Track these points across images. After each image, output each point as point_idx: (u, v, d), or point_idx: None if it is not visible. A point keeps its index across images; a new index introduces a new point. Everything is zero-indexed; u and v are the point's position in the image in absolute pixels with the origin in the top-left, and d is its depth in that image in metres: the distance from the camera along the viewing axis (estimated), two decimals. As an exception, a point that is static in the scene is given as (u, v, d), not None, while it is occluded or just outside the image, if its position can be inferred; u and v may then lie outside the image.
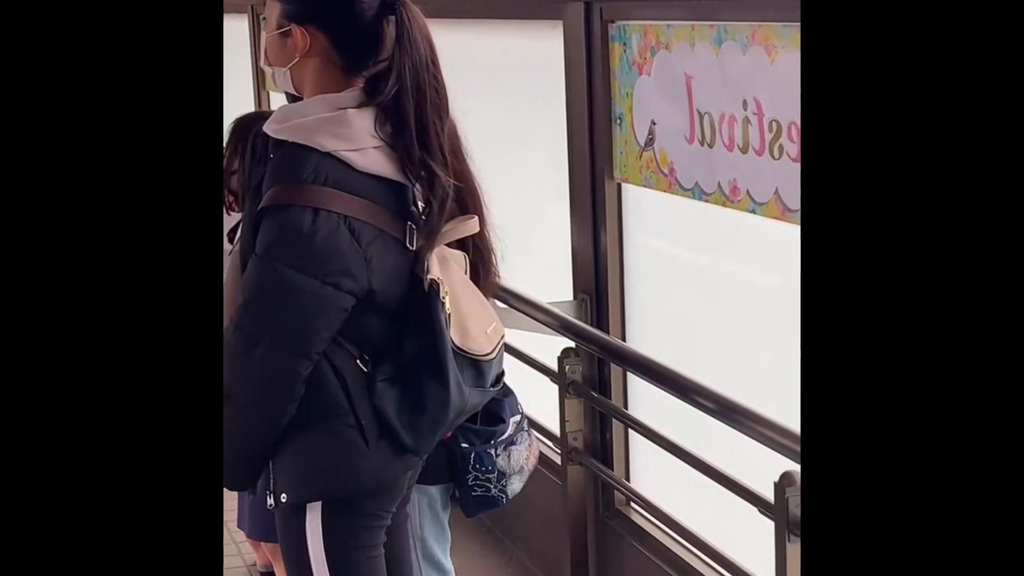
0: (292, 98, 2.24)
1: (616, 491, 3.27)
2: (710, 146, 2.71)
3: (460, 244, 2.31)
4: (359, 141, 2.05)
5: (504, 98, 4.05)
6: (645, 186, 3.01)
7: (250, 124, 2.82)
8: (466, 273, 2.27)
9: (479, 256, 2.39)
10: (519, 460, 2.48)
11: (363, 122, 2.07)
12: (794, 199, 2.45)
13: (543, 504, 3.52)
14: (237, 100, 5.11)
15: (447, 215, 2.15)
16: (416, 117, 2.08)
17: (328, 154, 2.03)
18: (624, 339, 3.21)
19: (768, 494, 2.34)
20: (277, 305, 2.02)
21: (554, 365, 3.20)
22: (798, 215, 2.43)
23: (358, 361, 2.12)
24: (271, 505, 2.15)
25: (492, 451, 2.42)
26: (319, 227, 2.01)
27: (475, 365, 2.17)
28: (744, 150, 2.59)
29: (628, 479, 3.27)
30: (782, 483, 2.28)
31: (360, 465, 2.12)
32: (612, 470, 3.24)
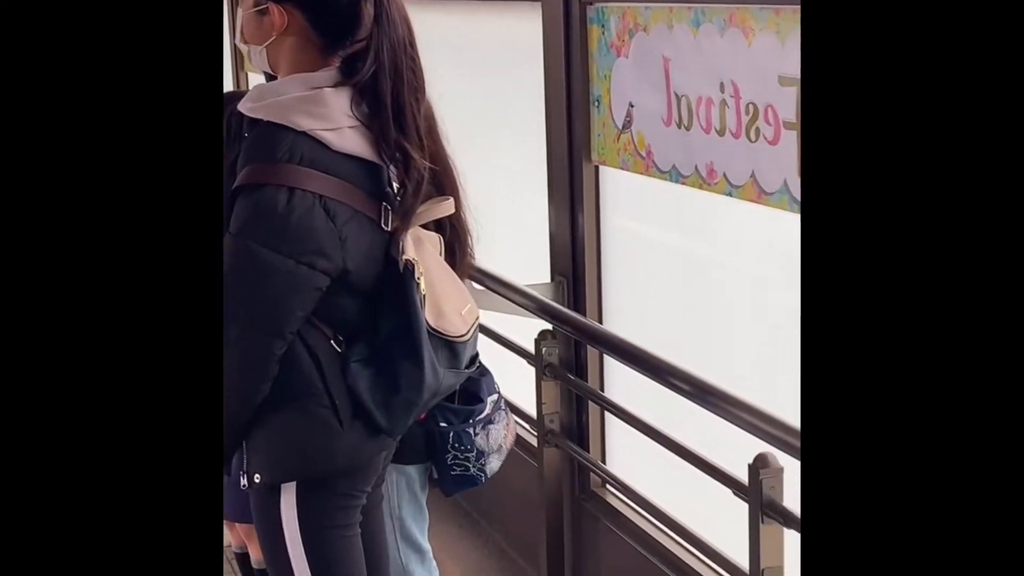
0: (269, 77, 2.24)
1: (592, 473, 3.28)
2: (687, 129, 2.71)
3: (436, 225, 2.31)
4: (335, 121, 2.05)
5: (482, 80, 4.04)
6: (623, 169, 3.01)
7: (225, 103, 2.81)
8: (441, 254, 2.27)
9: (455, 237, 2.39)
10: (497, 439, 2.49)
11: (339, 102, 2.06)
12: (770, 182, 2.45)
13: (519, 486, 3.52)
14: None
15: (422, 196, 2.15)
16: (393, 98, 2.08)
17: (304, 133, 2.02)
18: (601, 321, 3.21)
19: (743, 476, 2.35)
20: (251, 284, 2.02)
21: (531, 347, 3.20)
22: (774, 198, 2.44)
23: (332, 341, 2.11)
24: (245, 486, 2.15)
25: (471, 430, 2.43)
26: (294, 206, 2.01)
27: (449, 346, 2.17)
28: (721, 133, 2.59)
29: (604, 461, 3.28)
30: (756, 465, 2.29)
31: (334, 445, 2.12)
32: (588, 452, 3.24)
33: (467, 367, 2.26)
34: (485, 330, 3.33)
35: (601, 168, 3.16)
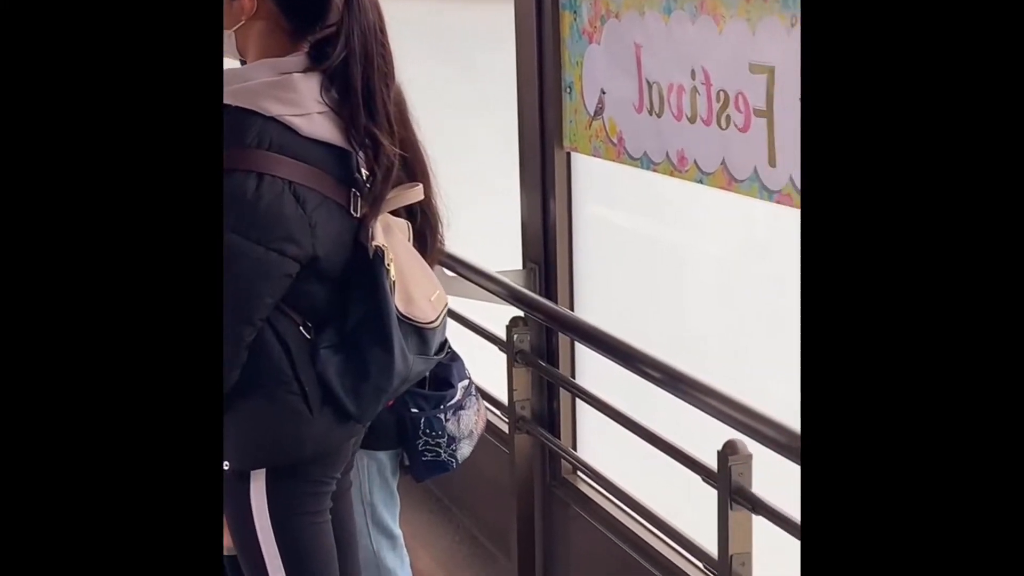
0: (242, 63, 2.22)
1: (563, 460, 3.28)
2: (658, 116, 2.71)
3: (407, 212, 2.31)
4: (304, 106, 2.04)
5: (454, 65, 4.04)
6: (594, 155, 3.01)
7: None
8: (410, 241, 2.26)
9: (426, 223, 2.38)
10: (468, 424, 2.49)
11: (308, 87, 2.05)
12: (740, 169, 2.45)
13: (490, 472, 3.53)
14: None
15: (392, 182, 2.14)
16: (363, 84, 2.07)
17: (272, 119, 2.01)
18: (572, 309, 3.22)
19: (712, 463, 2.36)
20: (220, 271, 2.01)
21: (502, 334, 3.20)
22: (744, 185, 2.44)
23: (301, 328, 2.11)
24: (214, 472, 2.14)
25: (442, 416, 2.43)
26: (263, 192, 2.00)
27: (419, 333, 2.17)
28: (692, 120, 2.59)
29: (575, 448, 3.29)
30: (725, 451, 2.30)
31: (303, 432, 2.12)
32: (559, 439, 3.25)
33: (436, 353, 2.26)
34: (456, 316, 3.33)
35: (573, 155, 3.16)
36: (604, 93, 2.92)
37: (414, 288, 2.18)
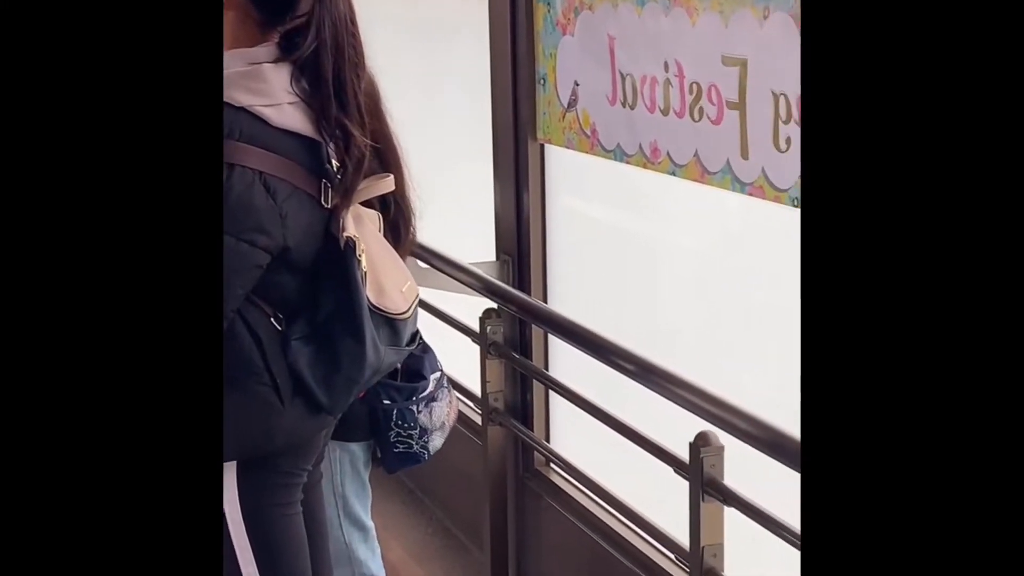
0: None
1: (536, 452, 3.28)
2: (632, 108, 2.71)
3: (381, 203, 2.30)
4: (274, 96, 2.03)
5: (427, 57, 4.03)
6: (568, 147, 3.01)
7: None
8: (380, 231, 2.25)
9: (399, 214, 2.38)
10: (440, 416, 2.49)
11: (279, 78, 2.04)
12: (713, 161, 2.46)
13: (463, 464, 3.53)
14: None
15: (364, 173, 2.14)
16: (334, 74, 2.06)
17: (242, 109, 2.00)
18: (546, 300, 3.22)
19: (684, 455, 2.36)
20: (190, 262, 2.00)
21: (476, 326, 3.20)
22: (716, 177, 2.45)
23: (272, 319, 2.10)
24: (185, 464, 2.13)
25: (414, 407, 2.43)
26: (233, 183, 1.98)
27: (390, 323, 2.17)
28: (665, 112, 2.59)
29: (548, 440, 3.29)
30: (697, 443, 2.31)
31: (275, 424, 2.11)
32: (532, 431, 3.25)
33: (408, 344, 2.25)
34: (430, 308, 3.33)
35: (546, 146, 3.15)
36: (577, 85, 2.92)
37: (385, 279, 2.17)
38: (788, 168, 2.23)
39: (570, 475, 3.07)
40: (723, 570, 2.33)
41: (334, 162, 2.10)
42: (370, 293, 2.13)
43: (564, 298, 3.20)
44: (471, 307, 3.25)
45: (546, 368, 3.24)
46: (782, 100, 2.22)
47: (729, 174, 2.40)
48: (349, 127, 2.08)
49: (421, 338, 2.39)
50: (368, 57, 2.16)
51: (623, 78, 2.73)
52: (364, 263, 2.11)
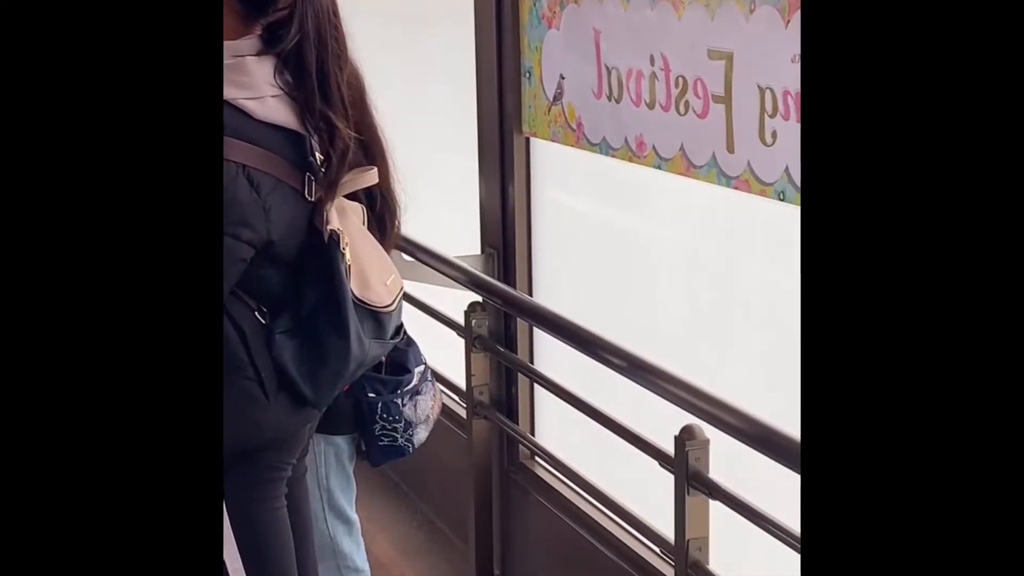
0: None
1: (521, 445, 3.28)
2: (617, 101, 2.71)
3: (367, 195, 2.29)
4: (257, 90, 2.02)
5: (412, 50, 4.02)
6: (553, 140, 3.00)
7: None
8: (364, 224, 2.25)
9: (385, 207, 2.37)
10: (425, 409, 2.49)
11: (262, 70, 2.03)
12: (699, 155, 2.45)
13: (448, 458, 3.52)
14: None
15: (348, 166, 2.13)
16: (317, 67, 2.06)
17: (225, 102, 2.00)
18: (531, 294, 3.21)
19: (670, 448, 2.36)
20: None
21: (461, 319, 3.19)
22: (702, 171, 2.44)
23: (256, 313, 2.09)
24: (169, 458, 2.12)
25: (399, 400, 2.43)
26: (217, 176, 1.98)
27: (375, 317, 2.16)
28: (651, 106, 2.59)
29: (533, 433, 3.29)
30: (682, 436, 2.30)
31: (260, 418, 2.11)
32: (517, 424, 3.25)
33: (392, 337, 2.25)
34: (415, 302, 3.32)
35: (532, 140, 3.15)
36: (563, 78, 2.91)
37: (370, 272, 2.17)
38: (774, 162, 2.23)
39: (555, 469, 3.07)
40: (708, 563, 2.33)
41: (318, 155, 2.10)
42: (354, 286, 2.12)
43: (549, 291, 3.20)
44: (456, 300, 3.25)
45: (531, 361, 3.24)
46: (768, 94, 2.22)
47: (715, 168, 2.40)
48: (333, 119, 2.07)
49: (405, 332, 2.39)
50: (351, 49, 2.15)
51: (609, 72, 2.72)
52: (348, 256, 2.11)
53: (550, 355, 3.17)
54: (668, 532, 2.42)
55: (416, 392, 2.47)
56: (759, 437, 2.14)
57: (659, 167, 2.60)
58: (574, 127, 2.89)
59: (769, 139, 2.24)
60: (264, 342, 2.09)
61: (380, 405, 2.41)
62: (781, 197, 2.22)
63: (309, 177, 2.08)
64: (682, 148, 2.50)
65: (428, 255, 3.20)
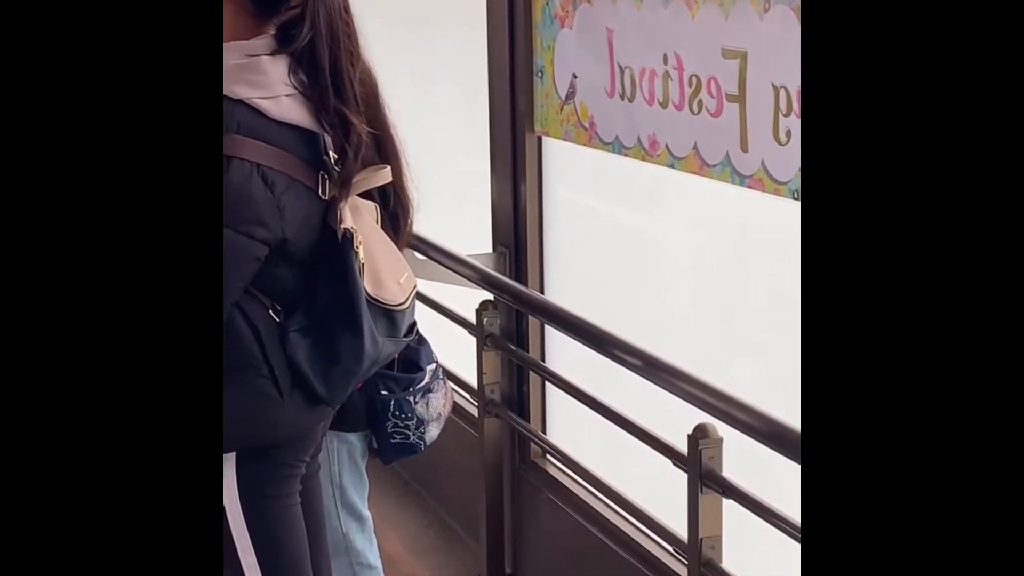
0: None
1: (532, 443, 3.28)
2: (630, 100, 2.71)
3: (380, 193, 2.29)
4: (272, 89, 2.03)
5: (425, 49, 4.02)
6: (565, 139, 3.00)
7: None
8: (378, 223, 2.25)
9: (399, 205, 2.37)
10: (436, 407, 2.49)
11: (276, 69, 2.04)
12: (712, 154, 2.46)
13: (460, 456, 3.53)
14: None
15: (362, 163, 2.13)
16: (331, 64, 2.06)
17: (240, 102, 2.00)
18: (542, 292, 3.22)
19: (683, 447, 2.36)
20: (189, 254, 1.99)
21: (472, 317, 3.20)
22: (716, 170, 2.45)
23: (271, 311, 2.10)
24: (183, 456, 2.13)
25: (411, 398, 2.43)
26: (232, 176, 1.98)
27: (388, 315, 2.16)
28: (664, 105, 2.59)
29: (544, 432, 3.29)
30: (695, 435, 2.31)
31: (274, 416, 2.11)
32: (529, 422, 3.25)
33: (405, 335, 2.25)
34: (427, 300, 3.33)
35: (544, 139, 3.15)
36: (576, 78, 2.91)
37: (383, 270, 2.17)
38: (788, 161, 2.23)
39: (567, 467, 3.07)
40: (721, 562, 2.33)
41: (332, 153, 2.10)
42: (368, 284, 2.12)
43: (561, 290, 3.20)
44: (468, 299, 3.25)
45: (542, 359, 3.24)
46: (782, 93, 2.22)
47: (728, 167, 2.40)
48: (348, 116, 2.07)
49: (417, 330, 2.39)
50: (363, 47, 2.15)
51: (622, 71, 2.73)
52: (362, 254, 2.11)
53: (561, 353, 3.18)
54: (681, 530, 2.42)
55: (428, 390, 2.48)
56: (774, 435, 2.14)
57: (672, 166, 2.60)
58: (586, 126, 2.89)
59: (784, 138, 2.24)
60: (278, 340, 2.09)
61: (392, 403, 2.42)
62: (795, 196, 2.22)
63: (323, 175, 2.08)
64: (695, 147, 2.51)
65: (440, 253, 3.20)
